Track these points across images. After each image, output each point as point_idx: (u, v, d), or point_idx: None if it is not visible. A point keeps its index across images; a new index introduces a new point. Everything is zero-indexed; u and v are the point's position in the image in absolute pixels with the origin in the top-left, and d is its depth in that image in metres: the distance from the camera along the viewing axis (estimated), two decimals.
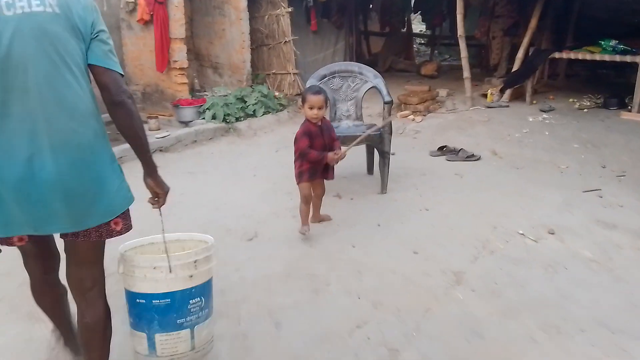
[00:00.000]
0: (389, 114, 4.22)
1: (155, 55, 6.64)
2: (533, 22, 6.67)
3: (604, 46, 6.16)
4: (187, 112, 6.49)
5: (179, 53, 6.70)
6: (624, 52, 6.01)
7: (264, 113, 6.95)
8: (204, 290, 2.12)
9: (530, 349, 2.40)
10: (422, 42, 12.60)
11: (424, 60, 10.32)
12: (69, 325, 2.14)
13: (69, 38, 1.66)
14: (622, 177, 4.51)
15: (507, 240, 3.46)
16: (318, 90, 3.38)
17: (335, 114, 4.56)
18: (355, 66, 4.60)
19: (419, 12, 10.85)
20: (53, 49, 1.62)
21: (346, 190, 4.38)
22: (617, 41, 6.09)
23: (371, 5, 10.35)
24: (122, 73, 1.83)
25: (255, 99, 6.96)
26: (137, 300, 2.02)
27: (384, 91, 4.33)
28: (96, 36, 1.75)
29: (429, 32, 11.83)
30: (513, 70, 6.88)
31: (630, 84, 7.37)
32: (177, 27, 6.59)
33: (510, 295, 2.82)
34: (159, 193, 1.97)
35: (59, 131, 1.64)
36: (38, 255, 1.92)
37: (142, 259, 2.02)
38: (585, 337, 2.47)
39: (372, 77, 4.53)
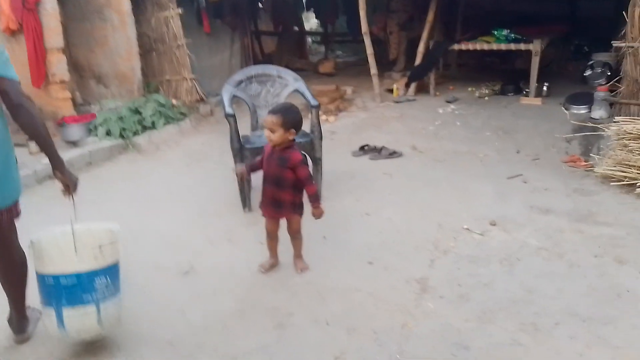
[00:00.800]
0: (317, 118, 3.97)
1: (30, 69, 5.73)
2: (430, 16, 6.83)
3: (498, 35, 6.47)
4: (75, 130, 5.69)
5: (58, 65, 5.86)
6: (516, 41, 6.36)
7: (164, 124, 6.34)
8: (110, 271, 2.35)
9: (517, 352, 2.32)
10: (316, 40, 12.54)
11: (321, 58, 10.24)
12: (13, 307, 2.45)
13: None
14: (537, 161, 4.71)
15: (455, 237, 3.40)
16: (274, 110, 2.77)
17: (257, 121, 4.23)
18: (273, 69, 4.30)
19: (312, 9, 10.77)
20: None
21: None
22: (509, 30, 6.42)
23: (261, 5, 10.01)
24: (18, 80, 2.15)
25: (152, 110, 6.31)
26: (47, 280, 2.26)
27: (308, 95, 4.09)
28: None
29: (321, 30, 11.79)
30: (415, 64, 6.99)
31: (516, 70, 7.92)
32: (53, 36, 5.75)
33: (478, 297, 2.73)
34: (68, 184, 2.32)
35: None
36: None
37: (50, 243, 2.28)
38: (562, 330, 2.45)
39: (292, 80, 4.26)
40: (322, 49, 11.76)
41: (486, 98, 6.69)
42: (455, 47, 6.85)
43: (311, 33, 12.54)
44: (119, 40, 6.86)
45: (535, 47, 6.09)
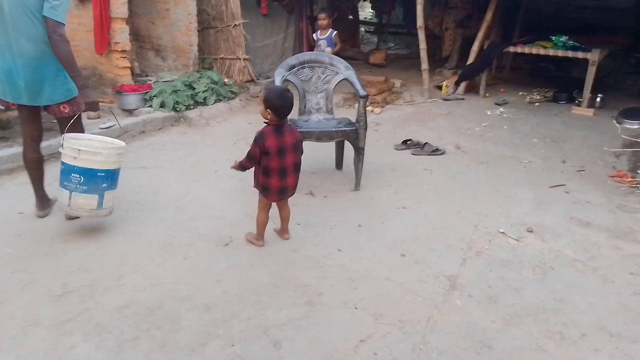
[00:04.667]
0: (364, 109, 4.03)
1: (94, 36, 6.03)
2: (489, 15, 6.72)
3: (556, 42, 6.32)
4: (132, 99, 5.95)
5: (121, 34, 6.12)
6: (574, 48, 6.20)
7: (215, 101, 6.54)
8: (85, 172, 3.05)
9: (540, 358, 2.35)
10: (369, 29, 12.49)
11: (372, 48, 10.22)
12: (39, 185, 3.46)
13: None
14: (582, 173, 4.64)
15: (490, 239, 3.42)
16: (265, 87, 3.20)
17: (305, 106, 4.32)
18: (325, 56, 4.36)
19: None
20: (18, 3, 2.92)
21: (318, 187, 4.18)
22: (567, 37, 6.26)
23: None
24: (60, 21, 2.95)
25: (205, 86, 6.52)
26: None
27: (358, 85, 4.13)
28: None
29: (375, 20, 11.73)
30: (468, 63, 6.91)
31: (571, 78, 7.72)
32: (119, 5, 6.00)
33: (508, 300, 2.76)
34: (86, 101, 3.18)
35: (21, 48, 2.99)
36: (28, 121, 3.28)
37: (67, 139, 3.10)
38: (588, 343, 2.46)
39: (343, 68, 4.32)
40: (375, 39, 11.71)
41: (537, 104, 6.56)
42: (511, 49, 6.72)
43: (365, 22, 12.49)
44: (179, 14, 7.08)
45: (593, 56, 5.92)
